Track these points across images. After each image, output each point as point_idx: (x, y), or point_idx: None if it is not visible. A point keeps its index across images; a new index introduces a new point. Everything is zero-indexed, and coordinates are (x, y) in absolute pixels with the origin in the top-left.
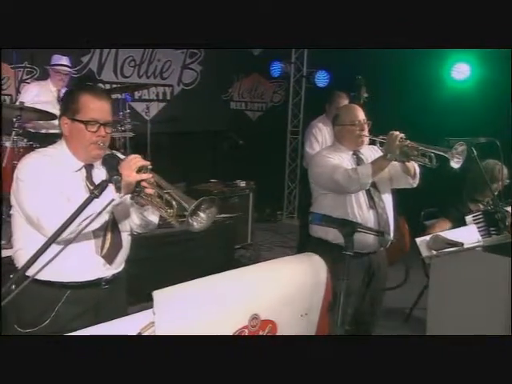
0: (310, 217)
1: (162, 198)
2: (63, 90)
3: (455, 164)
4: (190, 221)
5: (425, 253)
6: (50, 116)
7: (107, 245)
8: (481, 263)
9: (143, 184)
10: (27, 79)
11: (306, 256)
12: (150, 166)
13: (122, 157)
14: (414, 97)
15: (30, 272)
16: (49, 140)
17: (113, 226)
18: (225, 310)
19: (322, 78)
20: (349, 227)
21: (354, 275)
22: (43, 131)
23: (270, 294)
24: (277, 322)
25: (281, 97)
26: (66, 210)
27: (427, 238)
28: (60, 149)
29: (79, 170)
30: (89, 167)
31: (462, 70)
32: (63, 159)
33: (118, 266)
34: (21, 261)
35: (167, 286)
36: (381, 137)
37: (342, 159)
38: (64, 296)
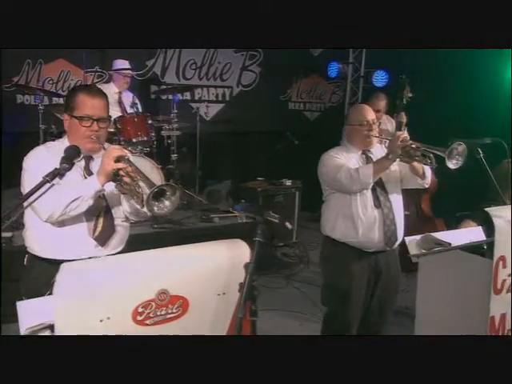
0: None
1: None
2: (124, 93)
3: (453, 165)
4: (149, 203)
5: (412, 251)
6: None
7: (99, 228)
8: (461, 263)
9: (121, 173)
10: (98, 83)
11: (232, 241)
12: (127, 157)
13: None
14: (475, 96)
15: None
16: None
17: (106, 212)
18: (131, 283)
19: (380, 78)
20: (259, 215)
21: (360, 274)
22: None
23: (181, 272)
24: (188, 299)
25: (339, 97)
26: (56, 196)
27: (417, 237)
28: (62, 142)
29: (79, 160)
30: (87, 159)
31: None
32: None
33: (114, 247)
34: (28, 238)
35: None
36: (389, 137)
37: (351, 159)
38: None
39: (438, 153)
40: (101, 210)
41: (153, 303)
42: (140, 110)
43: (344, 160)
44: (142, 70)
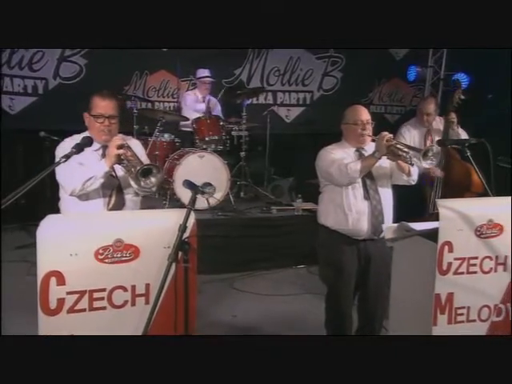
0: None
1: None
2: (207, 97)
3: (427, 164)
4: (137, 178)
5: (388, 236)
6: (183, 118)
7: (112, 202)
8: (422, 247)
9: (122, 157)
10: (190, 89)
11: (179, 209)
12: (126, 145)
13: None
14: None
15: None
16: (189, 137)
17: (118, 189)
18: (94, 231)
19: (461, 81)
20: (193, 189)
21: (350, 257)
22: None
23: (136, 227)
24: (140, 247)
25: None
26: (76, 176)
27: (395, 225)
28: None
29: (97, 149)
30: (103, 147)
31: None
32: None
33: None
34: (61, 209)
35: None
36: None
37: (345, 155)
38: None
39: (415, 152)
40: (114, 187)
41: (110, 248)
42: (217, 113)
43: (339, 155)
44: (230, 77)
